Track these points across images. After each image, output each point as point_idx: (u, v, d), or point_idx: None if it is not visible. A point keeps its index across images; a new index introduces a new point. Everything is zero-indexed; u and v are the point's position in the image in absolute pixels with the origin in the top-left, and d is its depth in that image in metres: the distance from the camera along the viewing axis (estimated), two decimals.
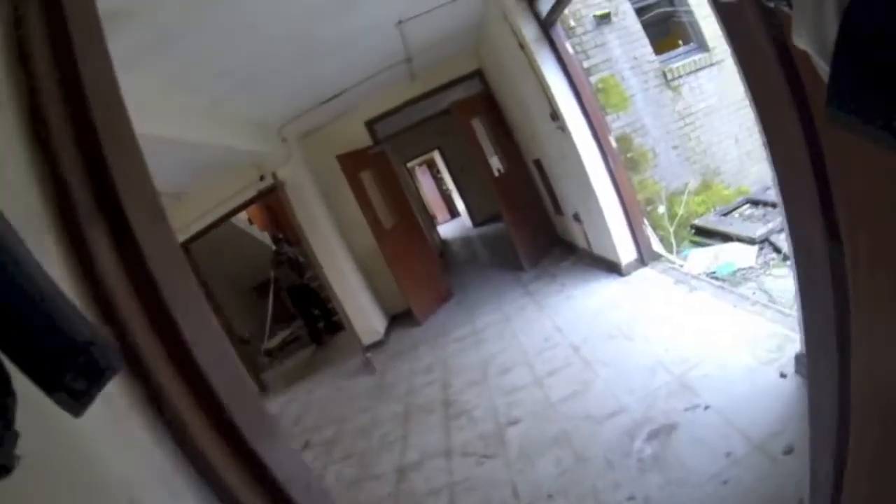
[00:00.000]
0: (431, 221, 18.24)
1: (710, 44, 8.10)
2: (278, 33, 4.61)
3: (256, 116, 6.63)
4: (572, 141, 6.10)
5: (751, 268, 5.78)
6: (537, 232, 8.88)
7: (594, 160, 6.17)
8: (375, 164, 8.74)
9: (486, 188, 9.63)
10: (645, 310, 5.32)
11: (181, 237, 7.95)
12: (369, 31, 5.67)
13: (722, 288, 5.18)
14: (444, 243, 16.19)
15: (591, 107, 6.11)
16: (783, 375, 3.45)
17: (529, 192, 9.05)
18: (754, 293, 5.11)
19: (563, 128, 6.17)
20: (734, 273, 5.76)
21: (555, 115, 6.21)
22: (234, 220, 10.67)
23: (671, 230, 6.91)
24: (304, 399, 7.75)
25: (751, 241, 6.17)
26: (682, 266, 6.12)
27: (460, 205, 20.07)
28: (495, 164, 9.25)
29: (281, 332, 12.29)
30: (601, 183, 6.21)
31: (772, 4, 0.88)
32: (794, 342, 3.60)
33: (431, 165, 23.42)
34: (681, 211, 7.17)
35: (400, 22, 5.77)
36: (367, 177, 8.43)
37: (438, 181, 23.80)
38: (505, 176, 8.90)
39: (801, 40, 0.77)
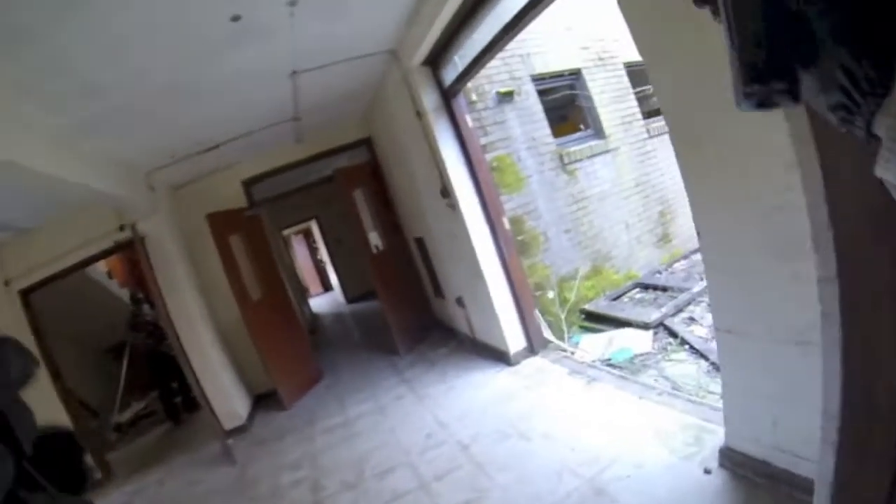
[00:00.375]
0: (303, 294, 17.40)
1: (607, 131, 8.10)
2: (154, 55, 3.91)
3: (122, 155, 5.80)
4: (463, 220, 5.73)
5: (648, 353, 5.53)
6: (415, 315, 8.38)
7: (485, 242, 5.83)
8: (248, 229, 8.05)
9: (361, 264, 9.20)
10: (541, 404, 4.89)
11: (22, 283, 7.05)
12: (260, 77, 5.07)
13: (623, 377, 4.88)
14: (316, 318, 15.37)
15: (486, 185, 5.77)
16: (707, 471, 3.12)
17: (408, 272, 8.61)
18: (656, 381, 4.85)
19: (453, 205, 5.80)
20: (631, 359, 5.49)
21: (446, 192, 5.82)
22: (90, 270, 9.68)
23: (562, 316, 6.58)
24: (152, 493, 6.74)
25: (645, 326, 5.97)
26: (573, 354, 5.81)
27: (334, 279, 19.38)
28: (374, 239, 8.72)
29: (135, 403, 11.03)
30: (491, 266, 5.86)
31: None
32: (712, 433, 3.34)
33: (308, 235, 22.85)
34: (572, 296, 6.88)
35: (294, 73, 5.20)
36: (236, 241, 7.73)
37: (314, 251, 23.19)
38: (383, 253, 8.44)
39: (887, 174, 0.78)
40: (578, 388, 4.89)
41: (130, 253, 6.86)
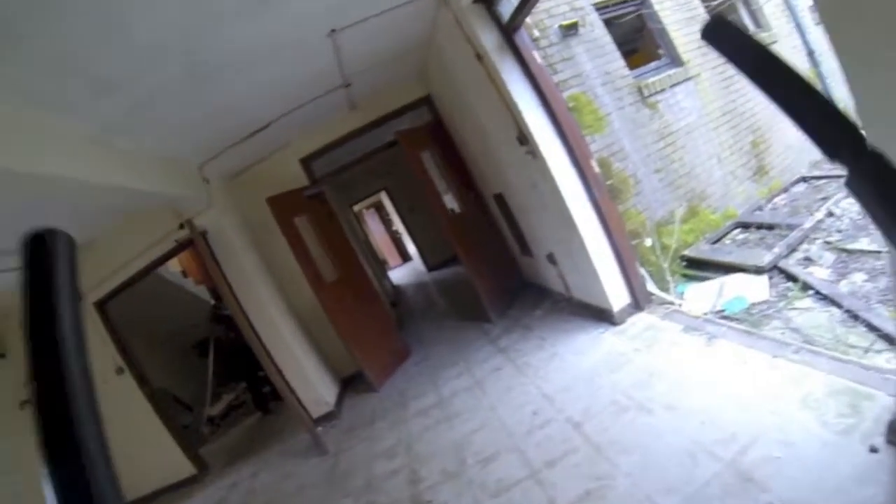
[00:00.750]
0: (382, 268, 17.07)
1: (684, 57, 7.31)
2: (162, 31, 3.41)
3: (166, 151, 5.44)
4: (546, 167, 5.09)
5: (766, 302, 4.79)
6: (502, 277, 7.81)
7: (574, 188, 5.17)
8: (312, 207, 7.61)
9: (438, 229, 8.68)
10: (657, 368, 4.27)
11: (95, 295, 7.12)
12: (296, 42, 4.57)
13: (749, 332, 4.17)
14: (398, 291, 14.92)
15: (567, 125, 5.11)
16: (874, 450, 2.48)
17: (491, 232, 8.03)
18: (783, 334, 4.11)
19: (533, 152, 5.17)
20: (748, 310, 4.77)
21: (523, 138, 5.19)
22: (164, 272, 9.85)
23: (665, 265, 5.93)
24: (247, 485, 6.54)
25: (758, 271, 5.23)
26: (681, 306, 5.14)
27: (412, 248, 18.92)
28: (449, 202, 8.13)
29: (226, 395, 10.95)
30: (583, 215, 5.20)
31: None
32: (870, 400, 2.73)
33: (379, 208, 22.44)
34: (673, 242, 6.21)
35: (333, 31, 4.67)
36: (302, 222, 7.30)
37: (387, 224, 22.76)
38: (461, 216, 7.82)
39: None
40: (698, 348, 4.26)
41: (195, 250, 6.59)
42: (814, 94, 0.72)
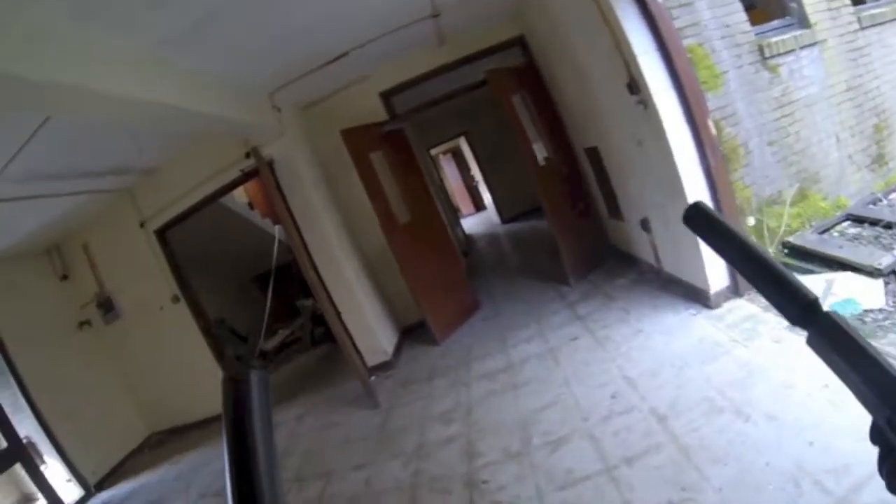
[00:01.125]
0: (455, 215, 16.56)
1: (811, 18, 6.45)
2: None
3: (233, 75, 5.04)
4: (658, 120, 4.50)
5: (881, 310, 4.10)
6: (586, 238, 7.18)
7: (686, 149, 4.57)
8: (390, 144, 7.12)
9: (517, 180, 8.19)
10: (758, 367, 3.67)
11: (156, 223, 7.33)
12: None
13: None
14: (469, 240, 14.39)
15: (686, 76, 4.50)
16: None
17: (578, 188, 7.38)
18: None
19: (645, 102, 4.58)
20: (860, 316, 4.09)
21: (634, 86, 4.59)
22: (231, 203, 9.78)
23: (769, 249, 5.30)
24: (291, 428, 6.31)
25: (874, 273, 4.49)
26: None
27: (487, 198, 18.25)
28: (539, 151, 7.38)
29: (281, 330, 10.82)
30: (693, 180, 4.60)
31: None
32: None
33: (456, 153, 21.79)
34: (783, 225, 5.56)
35: None
36: (378, 159, 6.84)
37: (464, 170, 22.13)
38: (550, 167, 7.14)
39: None
40: (805, 351, 3.63)
41: (261, 180, 6.28)
42: (775, 270, 0.83)
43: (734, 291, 4.79)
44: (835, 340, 0.78)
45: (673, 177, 4.62)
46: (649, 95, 4.47)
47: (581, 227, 7.10)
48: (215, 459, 6.71)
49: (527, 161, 6.67)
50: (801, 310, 0.80)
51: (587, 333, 5.26)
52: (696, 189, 4.59)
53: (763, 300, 4.41)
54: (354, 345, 6.24)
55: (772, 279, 0.84)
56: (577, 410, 4.02)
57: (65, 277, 8.28)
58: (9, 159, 4.39)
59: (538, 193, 6.72)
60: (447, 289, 7.11)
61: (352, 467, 4.69)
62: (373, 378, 6.20)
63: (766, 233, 5.45)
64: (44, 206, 6.08)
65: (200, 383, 7.54)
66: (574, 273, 6.76)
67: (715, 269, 4.74)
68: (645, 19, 4.43)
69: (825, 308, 0.79)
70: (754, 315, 4.39)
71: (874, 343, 3.25)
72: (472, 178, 21.43)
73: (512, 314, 6.74)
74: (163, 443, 8.52)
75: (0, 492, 7.81)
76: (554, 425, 3.96)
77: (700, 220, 0.92)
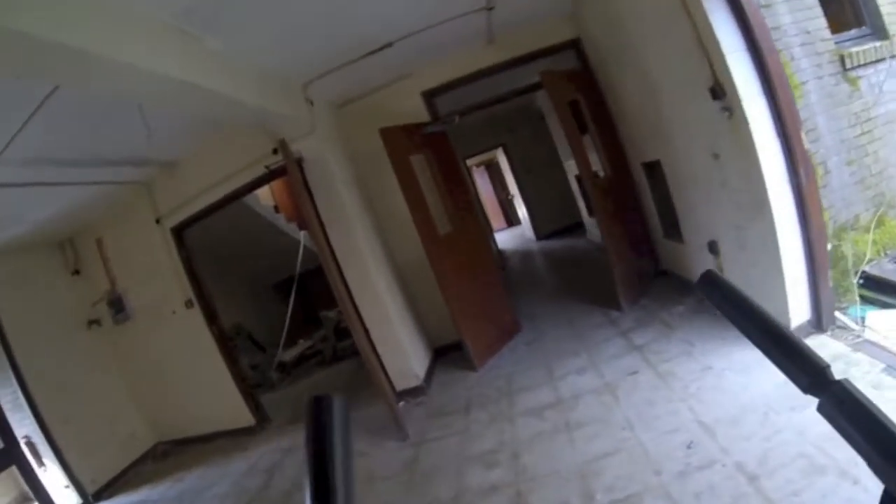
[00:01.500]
0: (490, 229, 15.96)
1: (889, 30, 5.83)
2: None
3: (264, 60, 4.60)
4: (746, 131, 3.89)
5: None
6: (637, 259, 6.54)
7: (775, 165, 3.94)
8: (432, 148, 6.50)
9: (555, 196, 7.60)
10: None
11: (172, 220, 6.89)
12: None
13: None
14: (503, 256, 13.70)
15: (780, 82, 3.87)
16: None
17: (634, 205, 6.77)
18: None
19: (731, 109, 3.97)
20: None
21: (719, 90, 3.98)
22: (255, 205, 9.38)
23: (854, 280, 4.65)
24: (303, 457, 5.72)
25: None
26: (863, 334, 3.91)
27: (522, 212, 17.58)
28: (595, 163, 6.72)
29: (301, 342, 10.36)
30: (780, 200, 3.97)
31: None
32: None
33: (490, 166, 21.19)
34: (867, 253, 4.91)
35: None
36: (419, 162, 6.24)
37: (497, 184, 21.46)
38: (606, 181, 6.53)
39: None
40: None
41: (288, 180, 5.76)
42: (787, 339, 0.83)
43: (817, 326, 4.18)
44: (846, 408, 0.76)
45: (758, 195, 4.02)
46: (737, 101, 3.86)
47: (632, 247, 6.44)
48: (219, 481, 6.26)
49: (582, 172, 6.04)
50: (812, 377, 0.79)
51: (647, 367, 4.59)
52: (783, 209, 3.99)
53: (850, 337, 3.83)
54: (382, 365, 5.66)
55: (785, 346, 0.83)
56: (646, 461, 3.38)
57: (76, 272, 8.00)
58: (11, 137, 3.98)
59: (594, 209, 6.10)
60: (487, 308, 6.46)
61: None
62: (401, 404, 5.64)
63: (848, 261, 4.81)
64: (53, 194, 5.71)
65: (211, 394, 7.24)
66: (626, 297, 6.11)
67: (797, 300, 4.13)
68: (734, 13, 3.83)
69: (836, 376, 0.75)
70: (843, 355, 3.75)
71: None
72: (507, 192, 20.76)
73: (557, 339, 6.08)
74: (168, 454, 8.19)
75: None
76: (620, 479, 3.32)
77: (713, 288, 0.92)
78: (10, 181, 4.84)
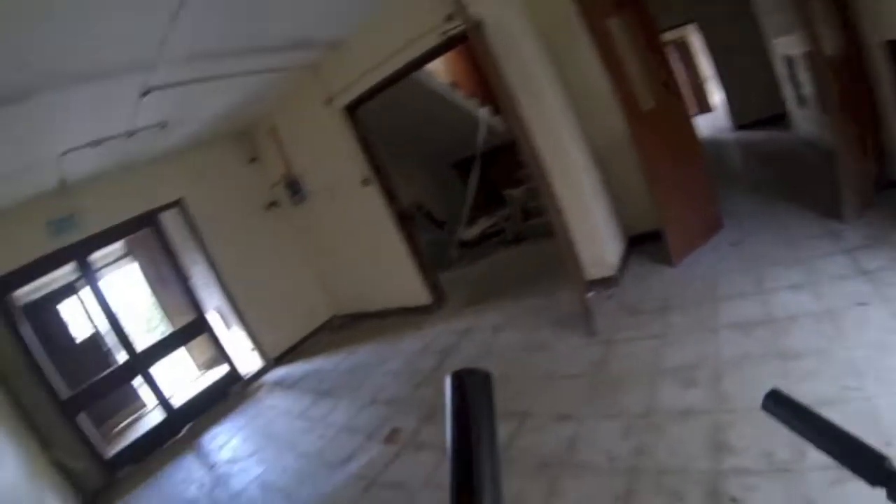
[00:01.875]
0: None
1: None
2: None
3: None
4: None
5: None
6: (864, 159, 5.30)
7: None
8: (631, 11, 5.54)
9: (755, 81, 7.66)
10: None
11: (343, 99, 6.87)
12: None
13: None
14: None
15: None
16: None
17: (867, 92, 5.48)
18: None
19: None
20: None
21: None
22: (430, 82, 9.07)
23: None
24: (483, 339, 5.61)
25: None
26: None
27: (717, 98, 15.90)
28: (826, 38, 5.29)
29: (483, 220, 10.25)
30: None
31: None
32: None
33: (680, 46, 19.01)
34: None
35: None
36: (616, 27, 5.38)
37: (688, 67, 19.36)
38: (841, 60, 5.28)
39: None
40: None
41: (467, 51, 5.22)
42: (852, 441, 0.80)
43: None
44: None
45: None
46: None
47: (856, 144, 5.25)
48: (392, 357, 6.35)
49: (813, 47, 5.01)
50: (878, 471, 0.77)
51: (881, 302, 3.59)
52: None
53: None
54: (575, 254, 5.22)
55: (851, 449, 0.81)
56: (873, 425, 2.64)
57: (253, 160, 8.70)
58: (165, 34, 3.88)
59: (822, 91, 5.19)
60: (690, 197, 5.68)
61: (554, 415, 3.83)
62: (590, 294, 5.19)
63: None
64: (221, 88, 5.78)
65: (387, 271, 7.36)
66: (854, 208, 5.03)
67: None
68: None
69: None
70: None
71: None
72: (699, 74, 18.89)
73: (764, 243, 5.22)
74: (343, 327, 8.62)
75: (198, 349, 9.91)
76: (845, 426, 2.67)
77: (781, 407, 0.89)
78: (178, 80, 4.85)
